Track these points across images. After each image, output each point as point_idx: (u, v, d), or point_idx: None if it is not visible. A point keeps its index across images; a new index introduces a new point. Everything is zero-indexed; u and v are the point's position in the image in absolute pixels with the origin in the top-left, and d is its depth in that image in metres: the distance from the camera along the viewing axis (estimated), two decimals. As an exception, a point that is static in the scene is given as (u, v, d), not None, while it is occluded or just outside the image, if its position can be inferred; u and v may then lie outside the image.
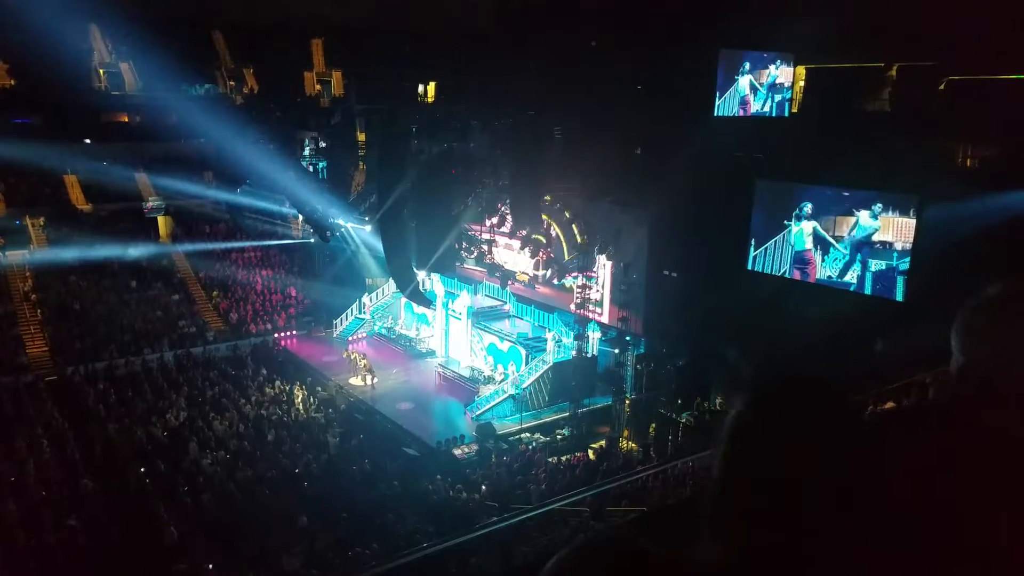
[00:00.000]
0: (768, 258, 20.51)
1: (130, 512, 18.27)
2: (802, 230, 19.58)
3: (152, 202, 37.88)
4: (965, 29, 21.28)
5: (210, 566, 15.83)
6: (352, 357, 30.00)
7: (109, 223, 36.93)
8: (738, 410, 1.29)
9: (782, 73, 24.85)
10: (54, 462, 20.70)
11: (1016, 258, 14.44)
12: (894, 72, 26.87)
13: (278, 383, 27.41)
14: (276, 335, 33.34)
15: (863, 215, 18.39)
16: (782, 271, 20.27)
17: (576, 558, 1.20)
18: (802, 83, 28.08)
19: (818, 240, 19.30)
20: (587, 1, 29.23)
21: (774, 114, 24.84)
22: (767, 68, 24.40)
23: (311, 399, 26.26)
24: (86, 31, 43.16)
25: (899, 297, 17.86)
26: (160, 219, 37.75)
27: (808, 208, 19.54)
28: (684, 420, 22.68)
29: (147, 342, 30.81)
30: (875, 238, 18.21)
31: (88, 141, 39.84)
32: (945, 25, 21.90)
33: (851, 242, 18.72)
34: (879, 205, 18.08)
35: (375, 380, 28.60)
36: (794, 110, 26.34)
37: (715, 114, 23.38)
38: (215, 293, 35.29)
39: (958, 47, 22.36)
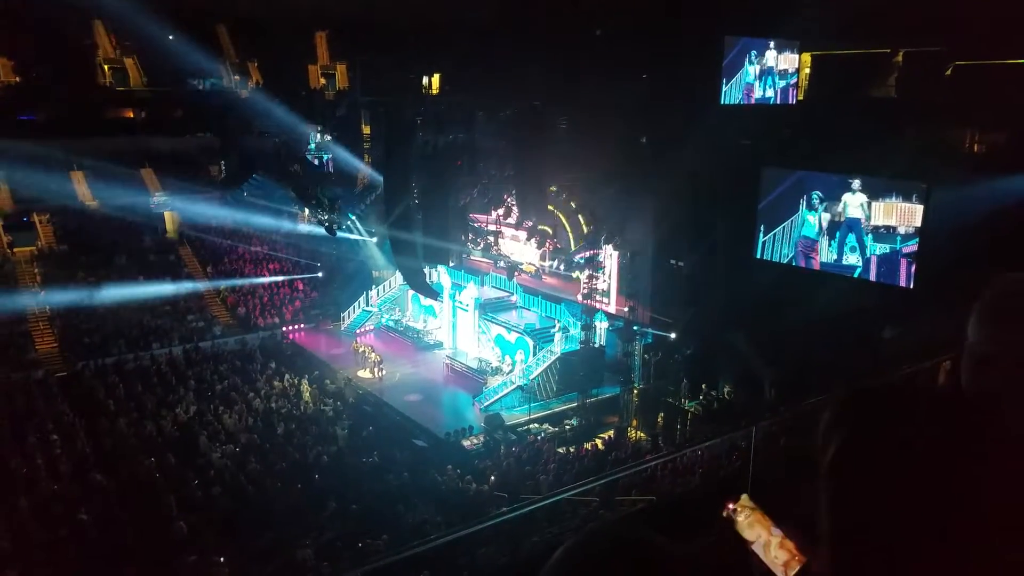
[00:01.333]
0: (776, 246, 20.43)
1: (140, 505, 18.40)
2: (819, 218, 19.44)
3: (159, 197, 38.00)
4: (971, 14, 21.06)
5: (220, 559, 15.93)
6: (360, 350, 30.09)
7: (116, 219, 37.05)
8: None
9: (787, 60, 24.65)
10: (65, 457, 20.85)
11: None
12: (900, 58, 26.63)
13: (287, 376, 27.49)
14: (284, 328, 33.47)
15: (856, 196, 18.42)
16: (789, 259, 20.19)
17: (583, 548, 1.19)
18: (807, 70, 27.86)
19: (832, 227, 19.18)
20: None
21: (780, 101, 24.66)
22: (773, 55, 24.21)
23: (320, 392, 26.36)
24: (90, 27, 43.18)
25: (904, 283, 17.78)
26: (167, 214, 37.89)
27: (818, 196, 19.45)
28: (692, 409, 22.66)
29: (155, 337, 30.97)
30: (878, 223, 18.12)
31: (94, 137, 39.93)
32: (951, 10, 21.69)
33: (851, 222, 18.71)
34: (857, 181, 18.13)
35: (383, 372, 28.69)
36: (800, 97, 26.15)
37: (721, 102, 23.23)
38: (222, 287, 35.42)
39: (964, 32, 22.14)
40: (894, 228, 17.89)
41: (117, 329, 30.86)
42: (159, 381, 26.98)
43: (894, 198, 17.90)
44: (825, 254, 19.37)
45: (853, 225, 18.73)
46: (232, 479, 19.76)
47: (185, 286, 33.96)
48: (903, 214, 17.75)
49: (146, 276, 34.51)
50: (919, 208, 17.46)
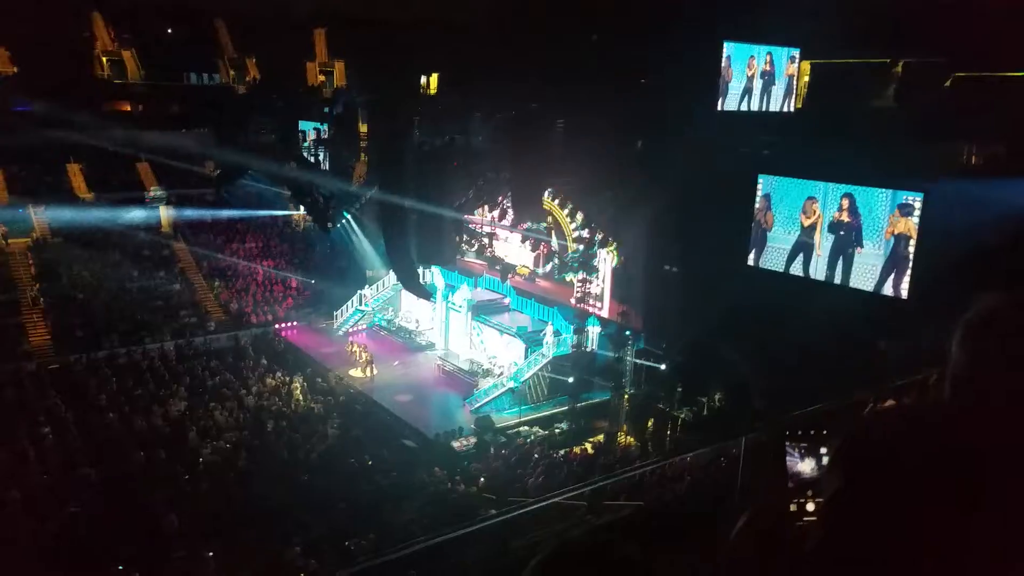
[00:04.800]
0: (769, 254, 20.42)
1: (130, 500, 18.32)
2: (814, 226, 19.43)
3: (154, 192, 37.91)
4: (972, 26, 21.12)
5: (209, 554, 15.87)
6: (352, 349, 30.01)
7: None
8: None
9: (787, 67, 24.69)
10: (56, 450, 20.76)
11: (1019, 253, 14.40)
12: (900, 68, 26.69)
13: (278, 374, 27.43)
14: (276, 326, 33.37)
15: (851, 204, 18.38)
16: (783, 267, 20.18)
17: (553, 563, 1.19)
18: (807, 78, 27.90)
19: (828, 235, 19.16)
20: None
21: (779, 109, 24.69)
22: (773, 62, 24.24)
23: (311, 390, 26.28)
24: (89, 19, 43.03)
25: (899, 293, 17.78)
26: (162, 208, 37.80)
27: (811, 204, 19.45)
28: (683, 416, 22.65)
29: (148, 331, 30.86)
30: (874, 232, 18.13)
31: (90, 130, 39.74)
32: (952, 22, 21.75)
33: (846, 234, 18.67)
34: (853, 190, 18.05)
35: (375, 372, 28.63)
36: (798, 105, 26.18)
37: (719, 108, 23.23)
38: (216, 283, 35.32)
39: (965, 44, 22.20)
40: (891, 238, 17.89)
41: (109, 323, 30.75)
42: (151, 376, 26.88)
43: (890, 208, 17.90)
44: (819, 263, 19.36)
45: (848, 234, 18.73)
46: (221, 475, 19.70)
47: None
48: (899, 224, 17.76)
49: (140, 270, 34.44)
50: (916, 218, 17.47)
